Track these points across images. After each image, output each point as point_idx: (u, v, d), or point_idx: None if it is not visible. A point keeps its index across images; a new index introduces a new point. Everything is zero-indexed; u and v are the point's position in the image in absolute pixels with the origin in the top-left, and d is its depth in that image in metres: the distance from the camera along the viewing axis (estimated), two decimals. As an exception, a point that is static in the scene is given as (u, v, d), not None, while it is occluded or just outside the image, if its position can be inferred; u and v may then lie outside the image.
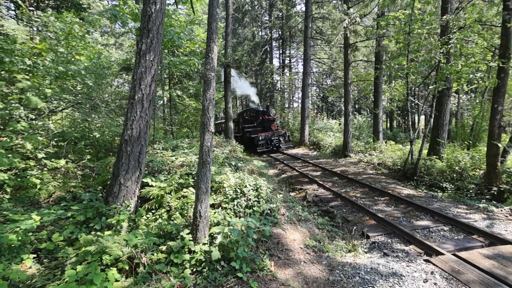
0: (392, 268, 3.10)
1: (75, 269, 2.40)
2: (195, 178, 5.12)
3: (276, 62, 33.01)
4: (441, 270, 3.06)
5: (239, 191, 4.52)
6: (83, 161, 5.88)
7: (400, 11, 8.07)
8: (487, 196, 5.98)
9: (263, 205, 4.32)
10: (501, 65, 5.83)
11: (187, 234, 3.11)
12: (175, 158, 6.62)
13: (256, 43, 27.31)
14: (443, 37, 7.00)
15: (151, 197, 4.52)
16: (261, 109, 17.66)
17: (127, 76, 19.26)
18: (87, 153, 6.52)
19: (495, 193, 5.85)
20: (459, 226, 4.44)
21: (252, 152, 15.95)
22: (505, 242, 3.71)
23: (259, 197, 4.52)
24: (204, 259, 2.85)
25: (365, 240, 4.26)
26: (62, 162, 5.04)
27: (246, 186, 4.64)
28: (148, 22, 4.16)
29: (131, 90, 4.19)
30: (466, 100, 17.20)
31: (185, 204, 4.28)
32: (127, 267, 2.59)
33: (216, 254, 2.71)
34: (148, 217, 4.11)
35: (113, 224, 3.54)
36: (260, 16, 28.98)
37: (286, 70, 29.27)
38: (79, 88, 7.62)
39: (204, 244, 3.03)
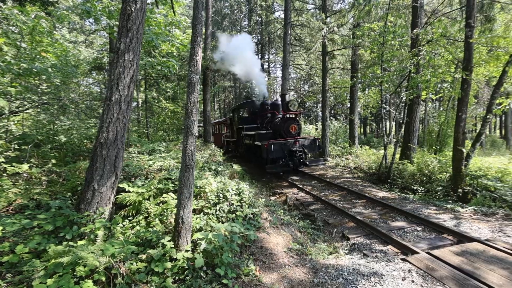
0: (372, 268, 3.21)
1: (44, 283, 2.19)
2: (176, 183, 4.99)
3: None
4: (417, 268, 3.22)
5: (221, 196, 4.45)
6: (48, 166, 5.45)
7: (374, 23, 8.58)
8: (453, 198, 6.43)
9: (246, 210, 4.28)
10: (464, 77, 6.37)
11: (168, 241, 2.99)
12: (153, 163, 6.41)
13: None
14: (413, 49, 7.55)
15: (127, 204, 4.31)
16: (270, 101, 11.44)
17: (97, 76, 18.39)
18: (52, 157, 6.06)
19: (460, 194, 6.31)
20: (430, 226, 4.72)
21: (253, 168, 10.68)
22: (471, 239, 4.01)
23: (242, 201, 4.48)
24: (187, 267, 2.75)
25: (346, 242, 4.38)
26: (25, 167, 4.65)
27: (228, 191, 4.58)
28: (128, 20, 4.01)
29: (108, 91, 4.00)
30: (432, 108, 18.55)
31: (165, 210, 4.12)
32: (103, 279, 2.41)
33: (200, 261, 2.62)
34: (124, 225, 3.89)
35: (86, 233, 3.31)
36: (239, 21, 29.17)
37: (264, 75, 29.65)
38: (45, 87, 7.12)
39: (186, 251, 2.92)
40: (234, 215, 4.07)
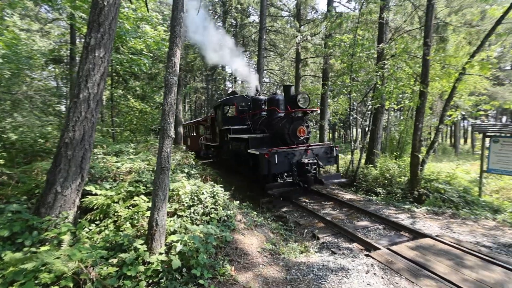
0: (340, 264, 3.47)
1: (4, 293, 2.03)
2: (147, 185, 4.86)
3: (228, 69, 33.24)
4: (378, 262, 3.55)
5: (195, 198, 4.44)
6: (-5, 167, 4.97)
7: (345, 35, 9.18)
8: (410, 199, 7.06)
9: (220, 212, 4.31)
10: (422, 90, 7.08)
11: (141, 244, 2.92)
12: (121, 164, 6.15)
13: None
14: (379, 62, 8.22)
15: (94, 207, 4.10)
16: (265, 97, 9.39)
17: (56, 69, 17.05)
18: (0, 158, 5.53)
19: (416, 196, 6.96)
20: (390, 225, 5.16)
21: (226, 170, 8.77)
22: (423, 236, 4.47)
23: (216, 204, 4.50)
24: (161, 269, 2.71)
25: (316, 241, 4.63)
26: (-32, 168, 4.19)
27: (203, 193, 4.58)
28: (99, 15, 3.85)
29: (76, 88, 3.82)
30: (393, 117, 20.14)
31: (136, 213, 4.00)
32: (71, 285, 2.30)
33: (176, 262, 2.61)
34: (91, 229, 3.70)
35: (48, 239, 3.10)
36: (213, 21, 28.96)
37: (238, 78, 29.74)
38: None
39: (160, 253, 2.88)
40: (208, 217, 4.08)
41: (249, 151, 7.16)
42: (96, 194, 4.22)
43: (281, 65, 23.66)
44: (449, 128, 33.77)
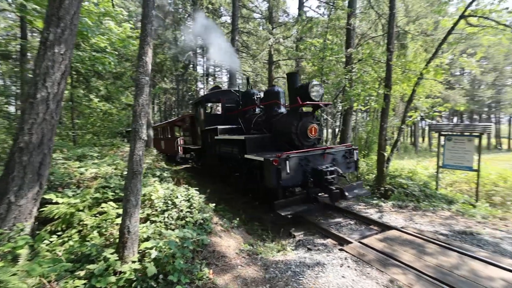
0: (316, 260, 3.59)
1: None
2: (116, 191, 4.59)
3: (200, 70, 32.71)
4: (351, 255, 3.74)
5: (169, 202, 4.29)
6: None
7: (315, 39, 9.53)
8: (377, 195, 7.49)
9: (196, 215, 4.21)
10: (385, 93, 7.58)
11: (112, 253, 2.75)
12: (85, 170, 5.76)
13: (179, 48, 26.41)
14: (348, 66, 8.66)
15: (55, 217, 3.77)
16: (258, 91, 7.92)
17: (2, 66, 15.46)
18: None
19: (383, 191, 7.41)
20: (361, 220, 5.45)
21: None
22: (390, 228, 4.78)
23: (192, 207, 4.39)
24: (135, 278, 2.57)
25: (292, 239, 4.72)
26: None
27: (177, 197, 4.44)
28: (59, 8, 3.57)
29: (31, 87, 3.49)
30: (361, 118, 21.33)
31: (104, 221, 3.76)
32: (31, 303, 2.08)
33: (152, 269, 2.49)
34: (52, 241, 3.40)
35: (0, 255, 2.78)
36: (183, 20, 28.23)
37: (210, 79, 29.35)
38: None
39: (133, 262, 2.73)
40: (183, 221, 3.96)
41: (246, 156, 5.70)
42: (57, 203, 3.89)
43: (254, 66, 23.83)
44: (409, 128, 36.54)
